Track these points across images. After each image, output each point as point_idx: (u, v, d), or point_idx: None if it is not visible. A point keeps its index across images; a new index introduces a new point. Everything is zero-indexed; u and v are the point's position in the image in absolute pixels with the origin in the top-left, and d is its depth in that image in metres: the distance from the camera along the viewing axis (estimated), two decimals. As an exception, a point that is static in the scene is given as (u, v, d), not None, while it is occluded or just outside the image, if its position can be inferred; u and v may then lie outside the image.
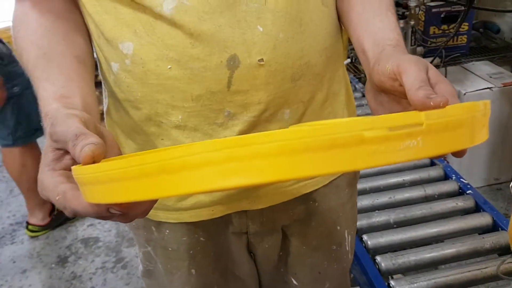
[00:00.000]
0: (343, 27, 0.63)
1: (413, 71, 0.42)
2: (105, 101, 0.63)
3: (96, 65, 0.59)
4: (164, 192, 0.27)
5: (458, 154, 0.37)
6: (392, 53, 0.49)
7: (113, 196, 0.29)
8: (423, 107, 0.39)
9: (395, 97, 0.47)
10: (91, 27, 0.55)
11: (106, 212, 0.35)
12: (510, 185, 0.61)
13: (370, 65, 0.51)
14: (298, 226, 0.71)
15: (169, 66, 0.52)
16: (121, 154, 0.44)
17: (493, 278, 0.95)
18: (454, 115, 0.29)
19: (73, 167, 0.34)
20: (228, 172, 0.25)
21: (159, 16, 0.51)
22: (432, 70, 0.44)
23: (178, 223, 0.64)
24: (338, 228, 0.74)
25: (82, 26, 0.56)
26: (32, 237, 2.03)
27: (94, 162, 0.35)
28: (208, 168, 0.26)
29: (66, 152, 0.39)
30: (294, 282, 0.76)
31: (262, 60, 0.53)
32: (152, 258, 0.69)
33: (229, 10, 0.51)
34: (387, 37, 0.52)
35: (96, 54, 0.58)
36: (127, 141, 0.61)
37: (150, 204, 0.40)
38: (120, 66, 0.54)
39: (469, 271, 0.97)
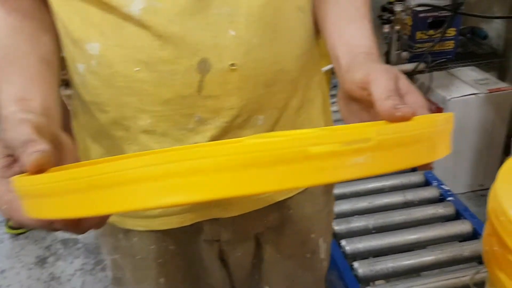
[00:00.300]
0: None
1: (381, 80, 0.41)
2: (73, 102, 0.61)
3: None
4: (99, 209, 0.25)
5: (422, 167, 0.36)
6: (363, 62, 0.48)
7: (46, 212, 0.28)
8: (390, 118, 0.38)
9: (365, 106, 0.46)
10: (59, 27, 0.54)
11: (50, 226, 0.33)
12: (489, 192, 0.60)
13: (342, 73, 0.50)
14: (271, 233, 0.69)
15: (137, 68, 0.50)
16: (79, 161, 0.43)
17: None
18: (408, 130, 0.27)
19: (11, 178, 0.33)
20: (167, 189, 0.24)
21: (127, 17, 0.49)
22: (402, 80, 0.43)
23: (147, 231, 0.62)
24: (312, 236, 0.73)
25: (50, 25, 0.54)
26: (12, 235, 2.00)
27: (41, 171, 0.33)
28: (146, 184, 0.24)
29: (17, 159, 0.38)
30: (268, 290, 0.74)
31: (234, 64, 0.51)
32: (120, 266, 0.68)
33: (200, 13, 0.49)
34: (361, 45, 0.52)
35: (64, 55, 0.56)
36: (93, 145, 0.59)
37: (102, 216, 0.38)
38: (86, 67, 0.52)
39: (447, 279, 0.96)
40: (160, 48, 0.49)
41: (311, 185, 0.25)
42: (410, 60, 1.80)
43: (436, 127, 0.30)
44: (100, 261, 1.85)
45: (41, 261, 1.87)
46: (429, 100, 1.88)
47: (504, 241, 0.53)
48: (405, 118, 0.37)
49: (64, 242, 1.95)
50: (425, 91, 1.85)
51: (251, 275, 0.73)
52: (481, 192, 1.99)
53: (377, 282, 1.04)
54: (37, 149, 0.34)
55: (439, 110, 1.82)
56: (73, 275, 1.79)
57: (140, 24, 0.49)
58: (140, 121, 0.53)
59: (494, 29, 2.10)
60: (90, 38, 0.51)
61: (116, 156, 0.40)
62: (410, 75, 1.78)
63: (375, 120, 0.44)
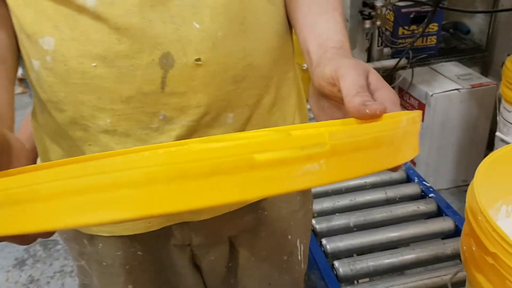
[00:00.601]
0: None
1: (351, 76, 0.39)
2: (33, 101, 0.58)
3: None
4: (13, 228, 0.22)
5: (391, 168, 0.33)
6: (333, 56, 0.46)
7: None
8: (359, 115, 0.36)
9: (336, 103, 0.44)
10: (14, 22, 0.51)
11: None
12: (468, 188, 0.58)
13: (312, 68, 0.48)
14: (246, 236, 0.67)
15: (93, 64, 0.47)
16: (29, 164, 0.40)
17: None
18: (366, 133, 0.24)
19: None
20: (86, 206, 0.21)
21: (82, 9, 0.46)
22: (373, 76, 0.41)
23: (112, 236, 0.59)
24: (289, 237, 0.70)
25: (7, 21, 0.51)
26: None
27: None
28: (63, 199, 0.21)
29: None
30: (244, 294, 0.72)
31: (199, 59, 0.49)
32: (87, 272, 0.64)
33: (161, 4, 0.47)
34: (332, 39, 0.49)
35: (21, 51, 0.53)
36: (52, 146, 0.56)
37: None
38: (41, 64, 0.49)
39: (429, 278, 0.95)
40: (118, 41, 0.46)
41: (257, 198, 0.22)
42: (392, 56, 1.78)
43: (399, 129, 0.27)
44: (79, 263, 1.81)
45: (20, 264, 1.83)
46: (411, 96, 1.87)
47: (482, 242, 0.51)
48: (374, 116, 0.35)
49: (44, 244, 1.91)
50: (408, 87, 1.84)
51: (226, 280, 0.71)
52: (464, 187, 1.98)
53: (361, 281, 1.03)
54: None
55: (421, 106, 1.81)
56: (52, 277, 1.75)
57: (96, 16, 0.46)
58: (99, 121, 0.50)
59: (476, 24, 2.09)
60: (44, 33, 0.48)
61: (44, 164, 0.37)
62: (392, 71, 1.76)
63: (346, 117, 0.42)
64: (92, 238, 0.60)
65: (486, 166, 0.59)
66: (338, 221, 1.10)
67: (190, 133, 0.53)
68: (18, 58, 0.52)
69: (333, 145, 0.23)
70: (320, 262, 1.00)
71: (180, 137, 0.53)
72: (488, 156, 0.61)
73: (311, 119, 0.74)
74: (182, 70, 0.48)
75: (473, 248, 0.55)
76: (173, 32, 0.47)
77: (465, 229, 0.58)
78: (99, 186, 0.21)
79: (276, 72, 0.58)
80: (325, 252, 1.04)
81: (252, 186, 0.22)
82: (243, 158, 0.21)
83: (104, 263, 0.62)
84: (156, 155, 0.21)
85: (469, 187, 0.58)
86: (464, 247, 0.58)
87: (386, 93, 0.39)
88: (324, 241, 1.05)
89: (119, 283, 0.63)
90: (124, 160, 0.21)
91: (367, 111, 0.35)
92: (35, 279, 1.76)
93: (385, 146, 0.25)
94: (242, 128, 0.57)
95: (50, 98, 0.51)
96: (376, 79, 0.40)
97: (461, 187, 1.98)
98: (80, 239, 0.61)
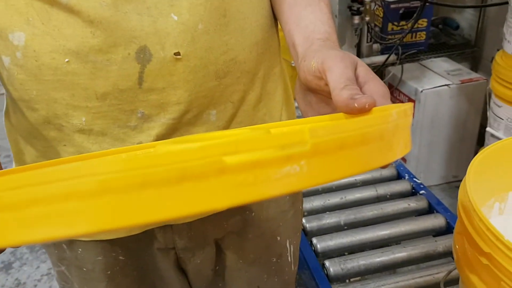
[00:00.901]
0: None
1: (338, 68, 0.37)
2: (6, 100, 0.55)
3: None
4: None
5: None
6: (319, 48, 0.44)
7: None
8: (347, 109, 0.34)
9: (324, 98, 0.42)
10: None
11: None
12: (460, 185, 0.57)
13: (299, 62, 0.45)
14: (233, 238, 0.65)
15: (66, 59, 0.45)
16: (1, 169, 0.38)
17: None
18: (351, 129, 0.22)
19: None
20: (31, 220, 0.18)
21: (54, 2, 0.44)
22: (362, 68, 0.39)
23: (91, 241, 0.57)
24: (278, 238, 0.68)
25: None
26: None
27: None
28: (3, 214, 0.18)
29: None
30: (232, 298, 0.70)
31: (178, 53, 0.46)
32: (68, 277, 0.62)
33: None
34: (318, 31, 0.47)
35: None
36: (27, 147, 0.53)
37: None
38: (11, 60, 0.47)
39: (421, 276, 0.93)
40: (92, 35, 0.44)
41: (230, 206, 0.20)
42: (382, 52, 1.77)
43: (389, 123, 0.24)
44: (66, 266, 1.78)
45: (6, 267, 1.80)
46: (401, 92, 1.86)
47: (475, 242, 0.49)
48: (363, 110, 0.33)
49: (30, 246, 1.88)
50: (397, 83, 1.83)
51: (213, 283, 0.68)
52: (455, 183, 1.98)
53: (352, 280, 1.01)
54: None
55: (411, 102, 1.80)
56: (39, 281, 1.72)
57: (68, 9, 0.43)
58: (73, 119, 0.48)
59: (465, 19, 2.09)
60: (14, 27, 0.45)
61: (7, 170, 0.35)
62: (381, 67, 1.75)
63: (335, 113, 0.40)
64: (71, 242, 0.58)
65: (478, 163, 0.57)
66: (329, 219, 1.08)
67: (171, 131, 0.51)
68: None
69: (314, 143, 0.20)
70: (310, 262, 0.98)
71: (160, 136, 0.50)
72: (479, 153, 0.59)
73: (299, 117, 0.71)
74: (160, 64, 0.46)
75: (466, 248, 0.53)
76: (149, 25, 0.45)
77: (457, 227, 0.56)
78: (45, 198, 0.18)
79: (261, 67, 0.56)
80: (315, 252, 1.02)
81: (223, 194, 0.19)
82: (211, 161, 0.19)
83: (84, 269, 0.59)
84: (113, 160, 0.18)
85: (461, 184, 0.56)
86: (457, 246, 0.56)
87: (375, 86, 0.37)
88: (314, 240, 1.03)
89: (101, 289, 0.60)
90: (75, 166, 0.18)
91: (356, 105, 0.33)
92: (22, 282, 1.72)
93: (374, 143, 0.23)
94: (227, 126, 0.55)
95: (22, 97, 0.48)
96: (365, 71, 0.39)
97: (452, 183, 1.98)
98: (59, 244, 0.59)
